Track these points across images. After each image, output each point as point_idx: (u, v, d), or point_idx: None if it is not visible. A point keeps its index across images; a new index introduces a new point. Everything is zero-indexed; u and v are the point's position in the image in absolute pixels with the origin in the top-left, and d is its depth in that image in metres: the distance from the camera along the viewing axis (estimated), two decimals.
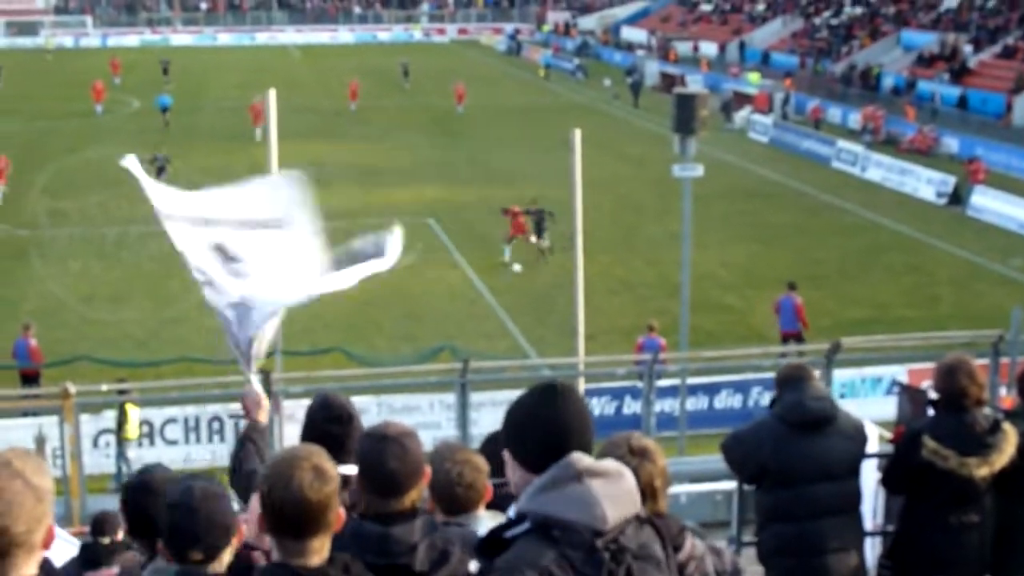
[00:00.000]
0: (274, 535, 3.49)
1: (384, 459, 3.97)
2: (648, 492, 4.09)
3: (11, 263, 32.08)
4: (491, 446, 5.45)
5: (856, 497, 6.71)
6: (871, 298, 29.30)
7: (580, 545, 3.22)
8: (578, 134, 18.46)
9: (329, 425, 4.74)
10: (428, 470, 4.14)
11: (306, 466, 3.43)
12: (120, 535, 7.23)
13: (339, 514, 3.49)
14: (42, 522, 3.11)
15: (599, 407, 20.08)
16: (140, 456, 19.18)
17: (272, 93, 17.77)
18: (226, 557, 4.12)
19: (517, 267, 30.86)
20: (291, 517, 3.42)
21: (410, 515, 4.00)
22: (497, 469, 4.72)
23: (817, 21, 75.68)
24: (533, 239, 31.98)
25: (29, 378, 21.48)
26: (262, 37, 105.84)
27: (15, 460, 3.11)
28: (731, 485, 11.04)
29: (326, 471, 3.46)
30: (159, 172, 39.17)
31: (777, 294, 24.75)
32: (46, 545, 3.15)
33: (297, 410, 17.53)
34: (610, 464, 3.39)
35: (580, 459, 3.34)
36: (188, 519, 4.05)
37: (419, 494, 4.07)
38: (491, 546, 3.38)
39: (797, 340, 23.11)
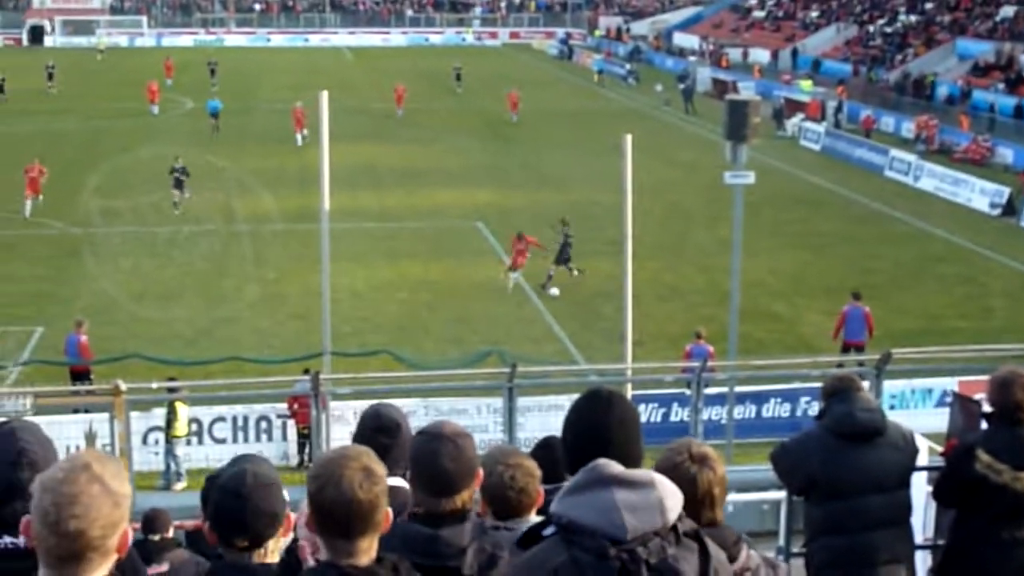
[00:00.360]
0: (323, 535, 3.48)
1: (438, 458, 3.97)
2: (707, 500, 4.07)
3: (65, 261, 32.46)
4: (543, 451, 5.45)
5: (906, 508, 6.65)
6: (922, 309, 29.02)
7: (593, 551, 3.19)
8: (629, 139, 18.42)
9: (377, 435, 4.76)
10: (480, 472, 4.13)
11: (355, 466, 3.42)
12: (170, 532, 7.28)
13: (387, 514, 3.49)
14: (118, 527, 3.10)
15: (646, 414, 20.02)
16: (188, 454, 19.37)
17: (324, 95, 17.87)
18: (271, 546, 4.08)
19: (555, 291, 29.95)
20: (340, 517, 3.40)
21: (460, 517, 3.99)
22: (549, 474, 4.72)
23: (871, 29, 75.05)
24: (553, 268, 30.50)
25: (79, 375, 21.65)
26: (315, 39, 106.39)
27: (95, 463, 3.09)
28: (778, 495, 10.97)
29: (375, 471, 3.45)
30: (177, 184, 38.01)
31: (827, 304, 24.55)
32: (120, 550, 3.14)
33: (345, 411, 17.64)
34: (641, 473, 3.34)
35: (607, 465, 3.31)
36: (236, 504, 4.00)
37: (471, 496, 4.05)
38: (529, 542, 3.41)
39: (858, 351, 22.80)
